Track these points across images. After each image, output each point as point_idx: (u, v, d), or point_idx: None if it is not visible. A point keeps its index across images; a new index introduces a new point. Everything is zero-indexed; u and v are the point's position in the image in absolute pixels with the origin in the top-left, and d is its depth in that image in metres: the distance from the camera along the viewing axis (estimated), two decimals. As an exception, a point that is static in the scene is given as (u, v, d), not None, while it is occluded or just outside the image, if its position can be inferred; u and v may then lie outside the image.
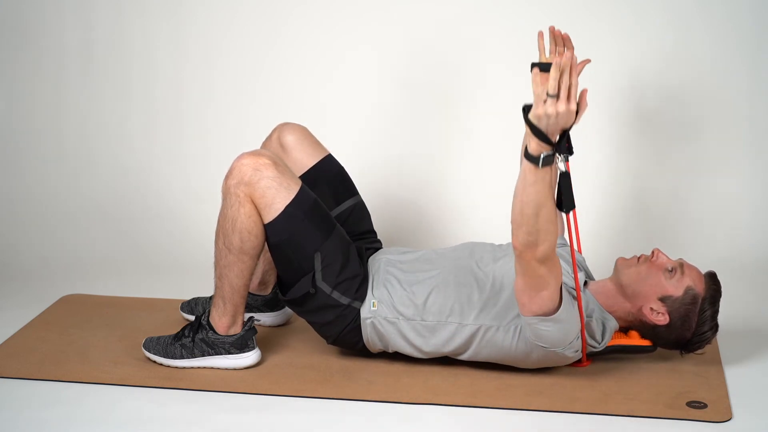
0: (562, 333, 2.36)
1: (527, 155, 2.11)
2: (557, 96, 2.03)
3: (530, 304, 2.32)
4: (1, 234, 3.58)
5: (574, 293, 2.43)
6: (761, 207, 3.46)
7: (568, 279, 2.48)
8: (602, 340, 2.49)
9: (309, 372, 2.58)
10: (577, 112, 2.07)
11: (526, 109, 2.10)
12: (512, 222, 2.21)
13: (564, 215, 2.47)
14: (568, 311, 2.35)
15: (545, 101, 2.04)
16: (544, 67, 2.10)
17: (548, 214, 2.17)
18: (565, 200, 2.21)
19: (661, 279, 2.47)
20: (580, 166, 3.51)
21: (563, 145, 2.11)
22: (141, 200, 3.67)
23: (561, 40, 2.53)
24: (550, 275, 2.26)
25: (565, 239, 2.74)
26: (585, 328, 2.45)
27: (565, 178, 2.19)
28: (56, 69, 3.77)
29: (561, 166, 2.16)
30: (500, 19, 3.57)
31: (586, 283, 2.57)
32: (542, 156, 2.09)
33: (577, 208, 2.71)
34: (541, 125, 2.07)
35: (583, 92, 2.08)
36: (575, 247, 2.63)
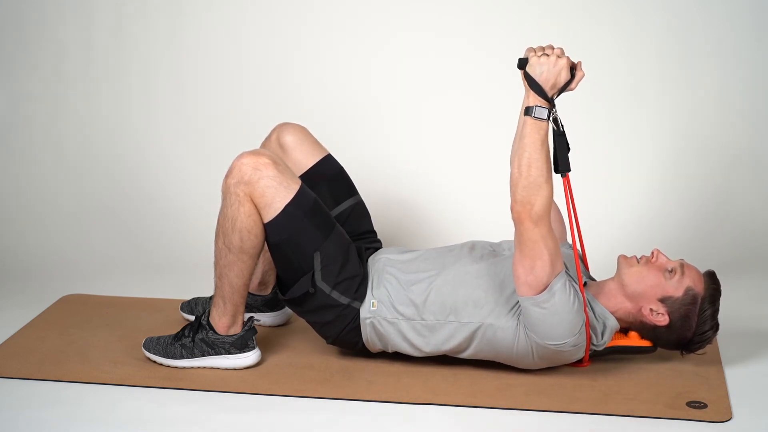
0: (555, 322, 2.35)
1: (524, 110, 2.29)
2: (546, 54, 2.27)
3: (525, 276, 2.35)
4: (1, 234, 3.58)
5: (577, 286, 2.43)
6: (761, 207, 3.47)
7: (571, 269, 2.50)
8: (602, 338, 2.48)
9: (309, 372, 2.58)
10: (572, 79, 2.29)
11: (523, 61, 2.27)
12: (510, 182, 2.31)
13: (562, 177, 2.40)
14: (563, 298, 2.35)
15: (539, 55, 2.28)
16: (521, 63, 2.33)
17: (541, 168, 2.28)
18: (560, 161, 2.36)
19: (660, 280, 2.47)
20: (580, 166, 3.52)
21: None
22: (141, 200, 3.67)
23: None
24: (543, 242, 2.32)
25: (568, 242, 2.75)
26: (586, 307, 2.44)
27: (560, 137, 2.34)
28: (56, 69, 3.77)
29: (553, 109, 2.30)
30: (500, 18, 3.57)
31: (586, 283, 2.57)
32: (536, 106, 2.27)
33: (578, 210, 2.74)
34: (536, 73, 2.27)
35: (578, 62, 2.28)
36: (578, 248, 2.63)
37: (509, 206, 2.34)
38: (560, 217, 2.80)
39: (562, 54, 2.29)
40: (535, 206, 2.30)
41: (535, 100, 2.29)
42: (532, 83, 2.29)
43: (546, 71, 2.27)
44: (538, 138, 2.28)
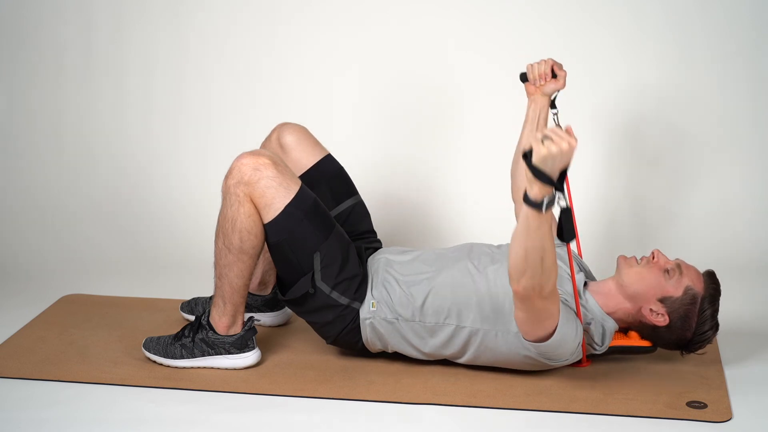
0: (561, 344, 2.36)
1: (528, 201, 2.09)
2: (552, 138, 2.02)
3: (533, 332, 2.34)
4: (1, 234, 3.58)
5: (571, 302, 2.43)
6: (761, 207, 3.46)
7: (566, 283, 2.48)
8: (602, 343, 2.49)
9: (309, 372, 2.58)
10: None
11: (528, 155, 2.06)
12: (513, 268, 2.20)
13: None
14: (566, 325, 2.35)
15: (543, 141, 2.03)
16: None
17: (553, 255, 2.17)
18: (566, 233, 2.15)
19: (660, 280, 2.47)
20: (580, 165, 3.51)
21: (562, 184, 2.09)
22: (141, 200, 3.67)
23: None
24: (553, 306, 2.27)
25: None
26: (584, 331, 2.45)
27: (566, 213, 2.14)
28: (56, 69, 3.77)
29: (562, 203, 2.12)
30: (500, 18, 3.57)
31: (586, 283, 2.57)
32: (546, 201, 2.07)
33: (575, 209, 2.73)
34: (546, 167, 2.04)
35: (569, 128, 2.07)
36: (572, 248, 2.63)
37: (512, 286, 2.22)
38: None
39: (568, 136, 2.04)
40: (546, 287, 2.21)
41: (542, 191, 2.07)
42: (538, 174, 2.05)
43: (558, 162, 2.04)
44: (548, 229, 2.13)
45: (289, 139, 2.77)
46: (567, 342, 2.37)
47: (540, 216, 2.09)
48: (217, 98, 3.72)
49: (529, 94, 2.72)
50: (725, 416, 2.33)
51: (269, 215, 2.46)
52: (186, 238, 3.52)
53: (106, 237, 3.57)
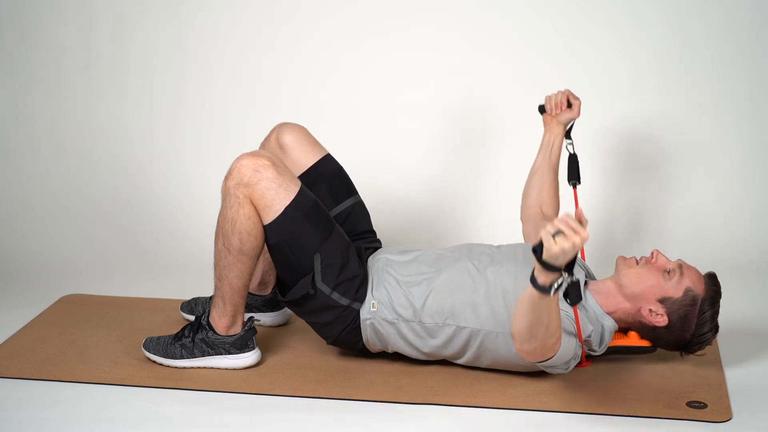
0: (560, 359, 2.35)
1: (536, 286, 2.05)
2: (563, 232, 1.99)
3: (533, 360, 2.33)
4: (1, 234, 3.58)
5: (570, 313, 2.41)
6: (761, 207, 3.46)
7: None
8: (600, 346, 2.49)
9: (309, 372, 2.58)
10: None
11: (538, 250, 2.03)
12: (517, 335, 2.20)
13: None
14: (566, 345, 2.33)
15: (554, 237, 1.99)
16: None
17: (558, 319, 2.17)
18: (572, 297, 2.12)
19: (660, 280, 2.46)
20: (579, 164, 3.51)
21: (571, 267, 2.05)
22: (141, 200, 3.67)
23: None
24: (557, 344, 2.26)
25: None
26: (584, 343, 2.44)
27: (574, 286, 2.09)
28: (56, 69, 3.77)
29: (567, 277, 2.07)
30: (500, 18, 3.57)
31: (586, 282, 2.57)
32: (555, 285, 2.05)
33: (575, 182, 2.77)
34: (557, 262, 2.01)
35: (579, 212, 2.03)
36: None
37: (515, 345, 2.23)
38: (555, 200, 2.82)
39: (580, 226, 2.00)
40: (551, 341, 2.22)
41: (550, 277, 2.04)
42: (548, 267, 2.03)
43: (568, 255, 2.00)
44: (555, 303, 2.13)
45: (289, 139, 2.76)
46: (566, 356, 2.36)
47: (547, 296, 2.07)
48: (217, 98, 3.72)
49: (545, 123, 2.81)
50: (725, 416, 2.33)
51: (269, 216, 2.46)
52: (186, 238, 3.52)
53: (106, 237, 3.57)
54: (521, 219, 2.84)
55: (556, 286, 2.04)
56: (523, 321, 2.17)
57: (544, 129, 2.81)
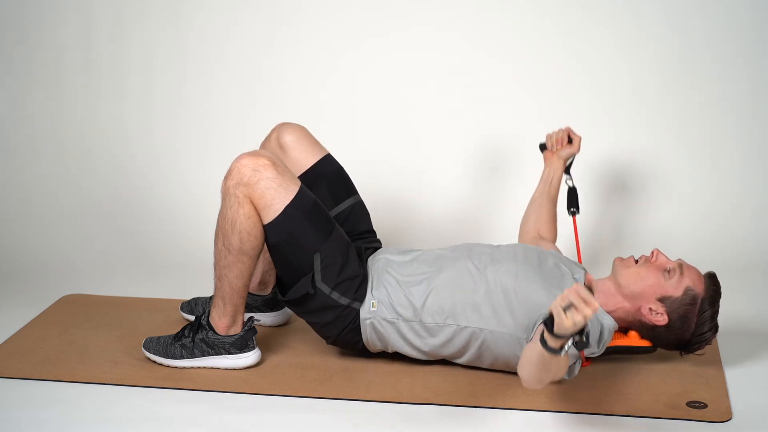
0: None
1: (546, 347, 2.05)
2: (575, 306, 1.98)
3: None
4: (1, 234, 3.58)
5: None
6: (761, 207, 3.46)
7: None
8: (600, 344, 2.48)
9: (309, 372, 2.58)
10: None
11: (549, 323, 2.03)
12: (525, 382, 2.20)
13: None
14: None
15: (565, 312, 1.98)
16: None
17: (566, 364, 2.16)
18: (579, 347, 2.08)
19: (660, 279, 2.46)
20: (579, 164, 3.52)
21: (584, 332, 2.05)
22: (141, 200, 3.67)
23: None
24: (562, 374, 2.24)
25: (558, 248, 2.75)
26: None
27: (583, 339, 2.06)
28: (56, 69, 3.77)
29: (577, 337, 2.05)
30: (500, 18, 3.57)
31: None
32: (565, 348, 2.05)
33: (574, 210, 2.78)
34: (567, 333, 2.01)
35: (589, 278, 2.04)
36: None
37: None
38: (553, 226, 2.82)
39: (589, 295, 1.98)
40: (558, 377, 2.22)
41: (560, 342, 2.04)
42: (560, 337, 2.03)
43: (578, 326, 1.99)
44: (565, 361, 2.14)
45: (289, 138, 2.76)
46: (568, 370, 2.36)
47: (557, 356, 2.07)
48: (217, 98, 3.72)
49: (545, 159, 2.89)
50: (725, 416, 2.33)
51: (269, 216, 2.46)
52: (186, 238, 3.52)
53: (106, 237, 3.57)
54: (519, 233, 2.85)
55: (566, 347, 2.05)
56: (532, 371, 2.16)
57: (544, 164, 2.88)
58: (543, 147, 2.90)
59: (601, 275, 2.83)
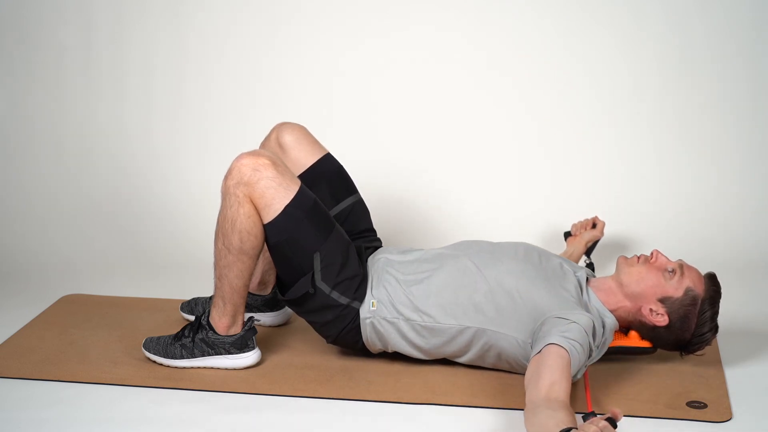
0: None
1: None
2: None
3: None
4: (1, 234, 3.58)
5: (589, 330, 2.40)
6: (761, 207, 3.46)
7: (570, 284, 2.49)
8: (599, 340, 2.48)
9: (309, 372, 2.58)
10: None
11: None
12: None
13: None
14: (575, 364, 2.30)
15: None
16: None
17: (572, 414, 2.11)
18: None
19: (660, 280, 2.47)
20: (579, 164, 3.52)
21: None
22: (141, 200, 3.67)
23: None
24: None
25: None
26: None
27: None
28: (56, 69, 3.77)
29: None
30: (500, 18, 3.57)
31: (588, 279, 2.57)
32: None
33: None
34: None
35: (614, 412, 1.97)
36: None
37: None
38: None
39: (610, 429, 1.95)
40: None
41: None
42: None
43: None
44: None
45: (288, 138, 2.77)
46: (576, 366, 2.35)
47: None
48: (217, 98, 3.72)
49: (568, 244, 3.03)
50: (725, 416, 2.33)
51: (269, 216, 2.46)
52: (186, 238, 3.52)
53: (106, 237, 3.57)
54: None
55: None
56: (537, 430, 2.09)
57: (566, 245, 3.03)
58: (567, 234, 3.04)
59: (601, 275, 2.83)
